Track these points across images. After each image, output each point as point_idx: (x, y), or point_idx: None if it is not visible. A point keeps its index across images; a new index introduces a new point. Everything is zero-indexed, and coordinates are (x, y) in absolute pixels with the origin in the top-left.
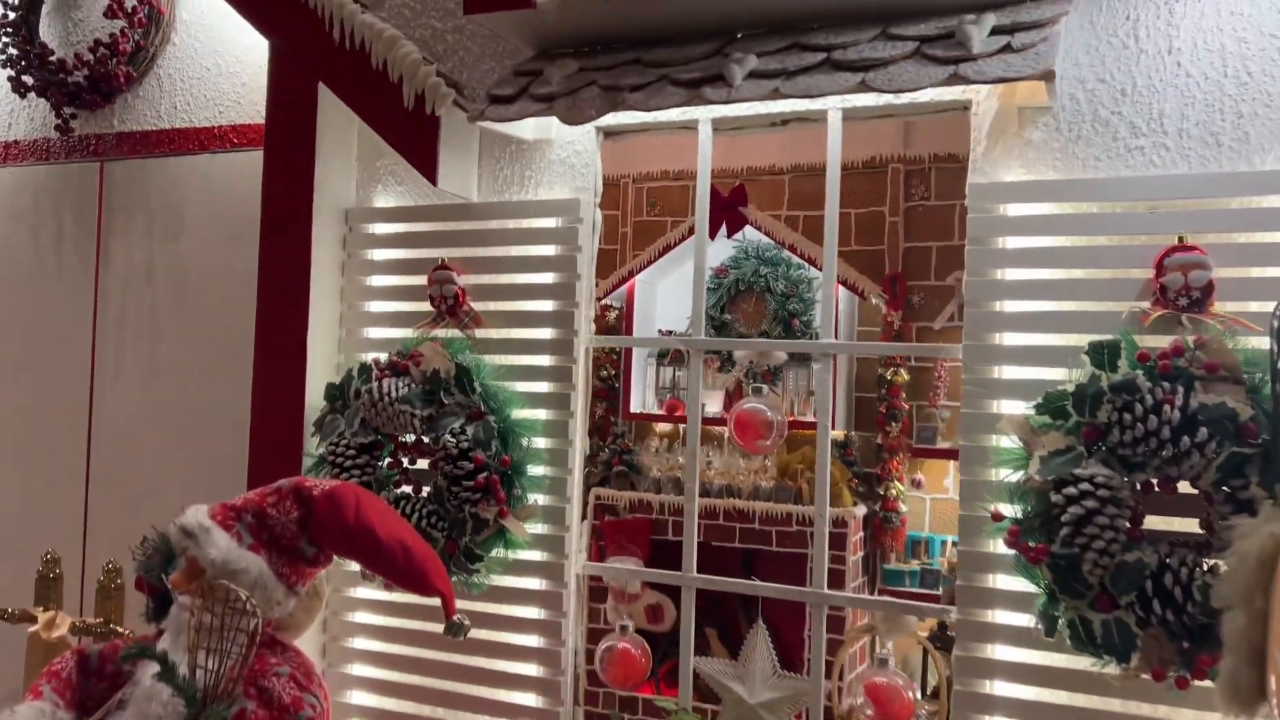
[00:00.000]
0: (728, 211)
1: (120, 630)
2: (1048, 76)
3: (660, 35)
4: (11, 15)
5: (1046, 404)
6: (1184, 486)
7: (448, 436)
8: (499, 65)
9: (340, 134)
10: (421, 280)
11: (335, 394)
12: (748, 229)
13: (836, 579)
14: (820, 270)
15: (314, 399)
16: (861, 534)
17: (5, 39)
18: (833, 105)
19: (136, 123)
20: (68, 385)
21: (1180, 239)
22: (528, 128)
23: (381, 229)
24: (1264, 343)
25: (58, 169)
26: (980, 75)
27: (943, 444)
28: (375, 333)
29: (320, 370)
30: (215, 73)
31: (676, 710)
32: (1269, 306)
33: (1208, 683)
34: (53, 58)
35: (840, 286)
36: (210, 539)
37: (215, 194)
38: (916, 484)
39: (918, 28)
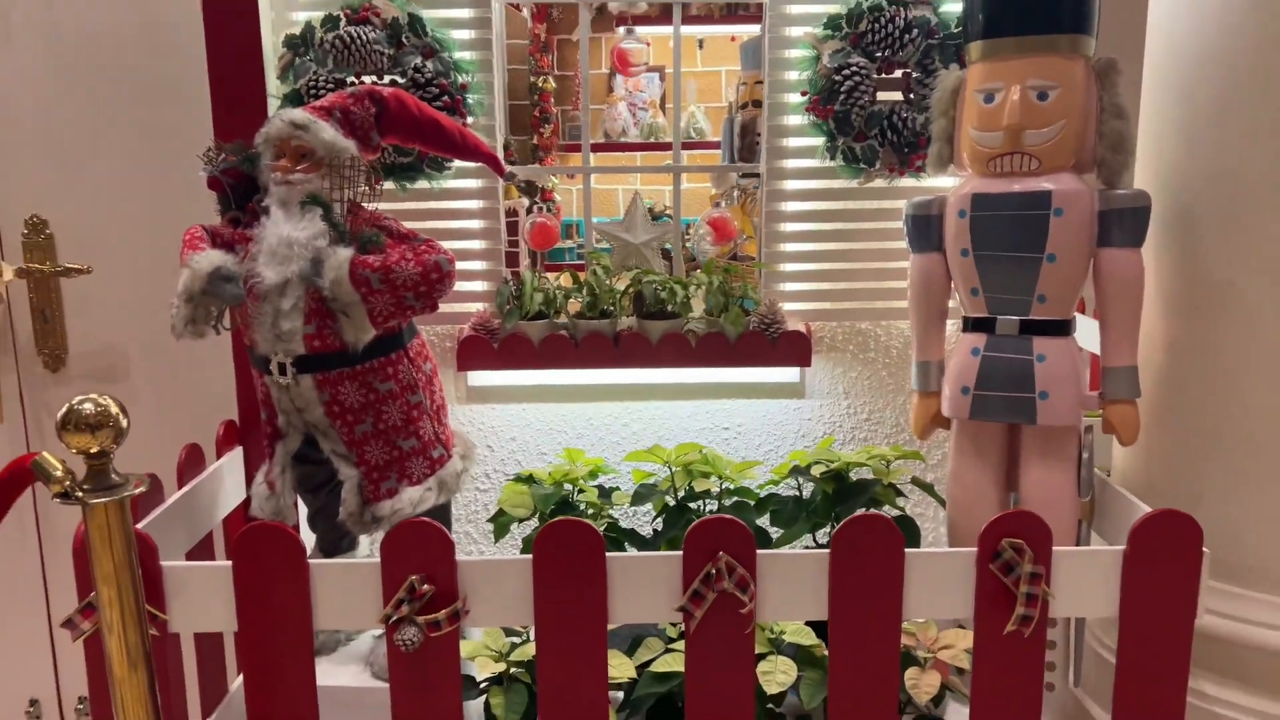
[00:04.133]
0: None
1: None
2: None
3: None
4: None
5: (829, 23)
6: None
7: (413, 70)
8: None
9: None
10: None
11: (296, 42)
12: None
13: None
14: None
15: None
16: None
17: None
18: None
19: None
20: None
21: None
22: None
23: None
24: None
25: None
26: None
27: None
28: None
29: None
30: None
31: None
32: None
33: (910, 179)
34: None
35: None
36: (320, 126)
37: None
38: (570, 176)
39: None
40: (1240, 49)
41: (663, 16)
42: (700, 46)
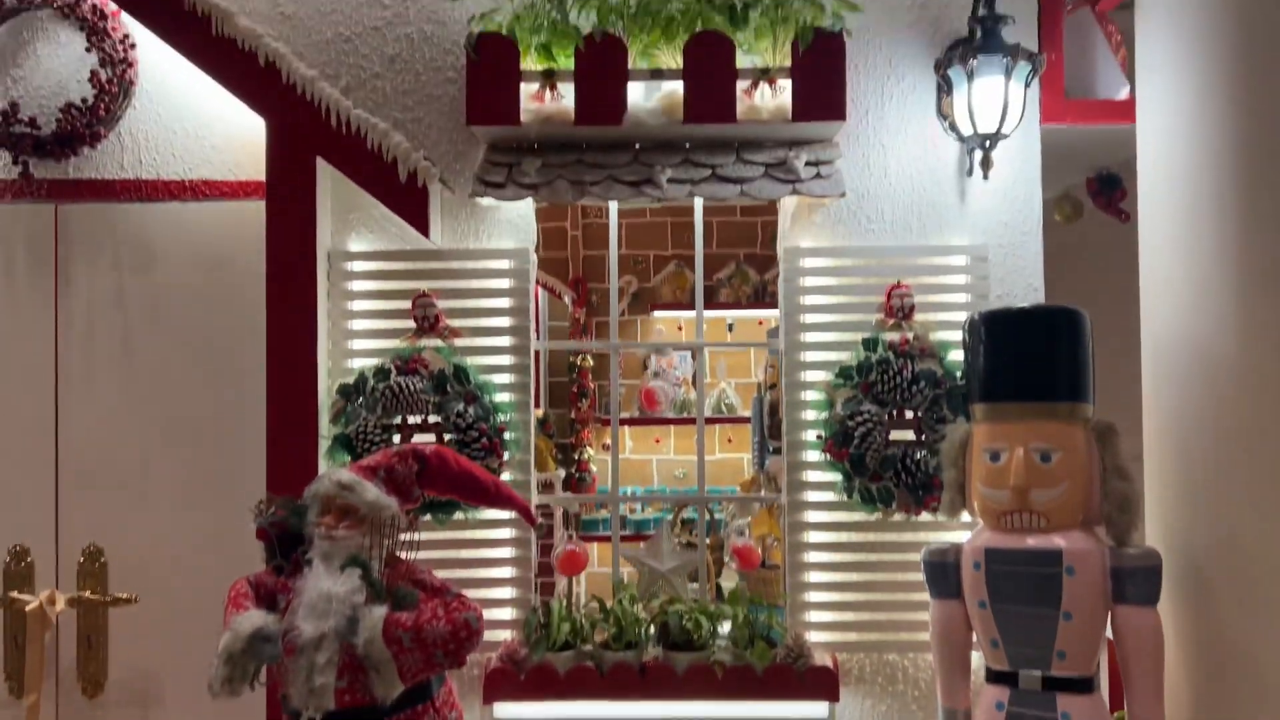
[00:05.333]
0: None
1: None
2: (843, 194)
3: (588, 143)
4: None
5: (841, 372)
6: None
7: (455, 416)
8: (451, 148)
9: (324, 193)
10: (398, 305)
11: (349, 390)
12: None
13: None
14: None
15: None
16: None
17: None
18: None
19: (96, 172)
20: (29, 398)
21: (898, 281)
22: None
23: (359, 266)
24: (944, 335)
25: (4, 209)
26: (811, 191)
27: (623, 414)
28: (357, 344)
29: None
30: (182, 135)
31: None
32: (943, 316)
33: (928, 515)
34: None
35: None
36: (365, 487)
37: (189, 235)
38: (606, 448)
39: (759, 155)
40: (1233, 403)
41: (694, 302)
42: (730, 329)
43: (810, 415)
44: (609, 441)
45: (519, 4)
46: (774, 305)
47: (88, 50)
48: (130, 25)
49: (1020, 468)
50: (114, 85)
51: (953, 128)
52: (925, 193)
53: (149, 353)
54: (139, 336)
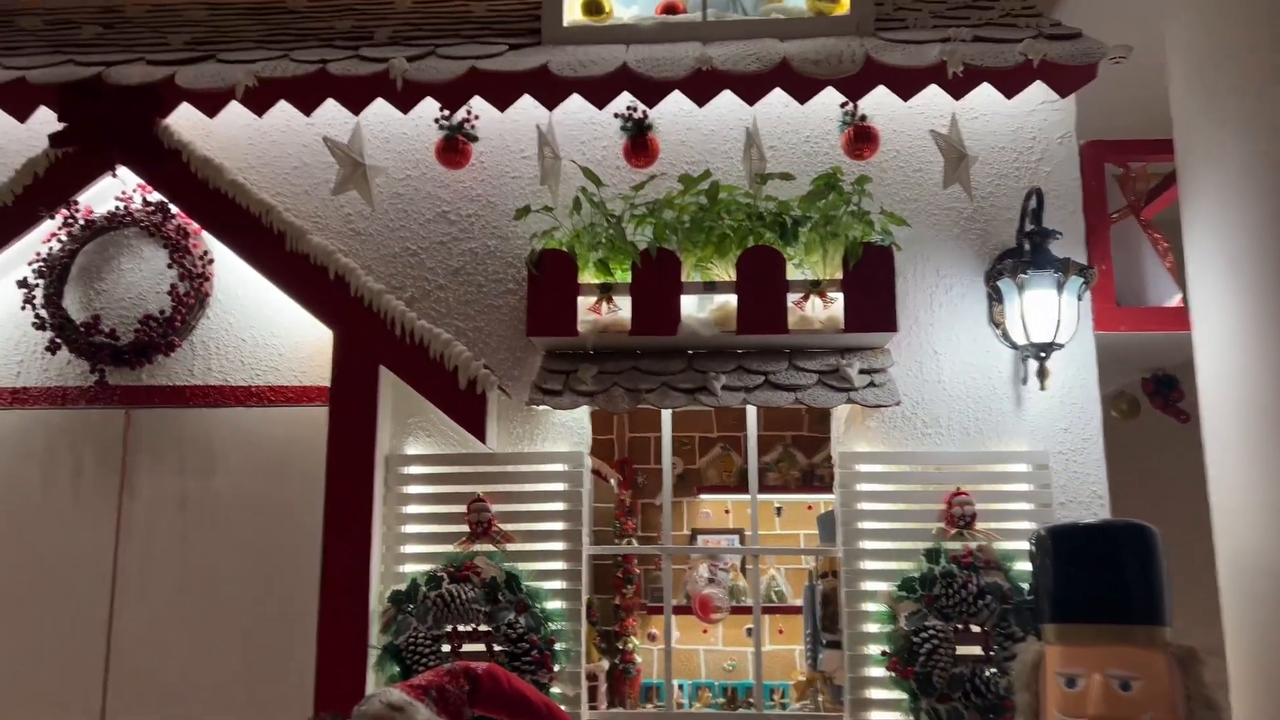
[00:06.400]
0: None
1: None
2: (898, 403)
3: (641, 350)
4: (41, 284)
5: (903, 584)
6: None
7: (506, 626)
8: (509, 355)
9: (385, 400)
10: (452, 508)
11: (401, 598)
12: None
13: None
14: None
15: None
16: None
17: (37, 306)
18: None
19: (167, 378)
20: (86, 598)
21: (958, 489)
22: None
23: (415, 469)
24: (1009, 545)
25: (77, 414)
26: (866, 400)
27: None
28: (409, 548)
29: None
30: (251, 343)
31: None
32: (1007, 525)
33: None
34: (80, 320)
35: None
36: (416, 709)
37: (251, 440)
38: (651, 638)
39: (811, 363)
40: None
41: (741, 485)
42: (778, 513)
43: (873, 628)
44: (654, 630)
45: (578, 221)
46: (822, 489)
47: (169, 266)
48: (209, 241)
49: (1100, 697)
50: (191, 298)
51: (1005, 336)
52: (981, 399)
53: (205, 556)
54: (196, 540)
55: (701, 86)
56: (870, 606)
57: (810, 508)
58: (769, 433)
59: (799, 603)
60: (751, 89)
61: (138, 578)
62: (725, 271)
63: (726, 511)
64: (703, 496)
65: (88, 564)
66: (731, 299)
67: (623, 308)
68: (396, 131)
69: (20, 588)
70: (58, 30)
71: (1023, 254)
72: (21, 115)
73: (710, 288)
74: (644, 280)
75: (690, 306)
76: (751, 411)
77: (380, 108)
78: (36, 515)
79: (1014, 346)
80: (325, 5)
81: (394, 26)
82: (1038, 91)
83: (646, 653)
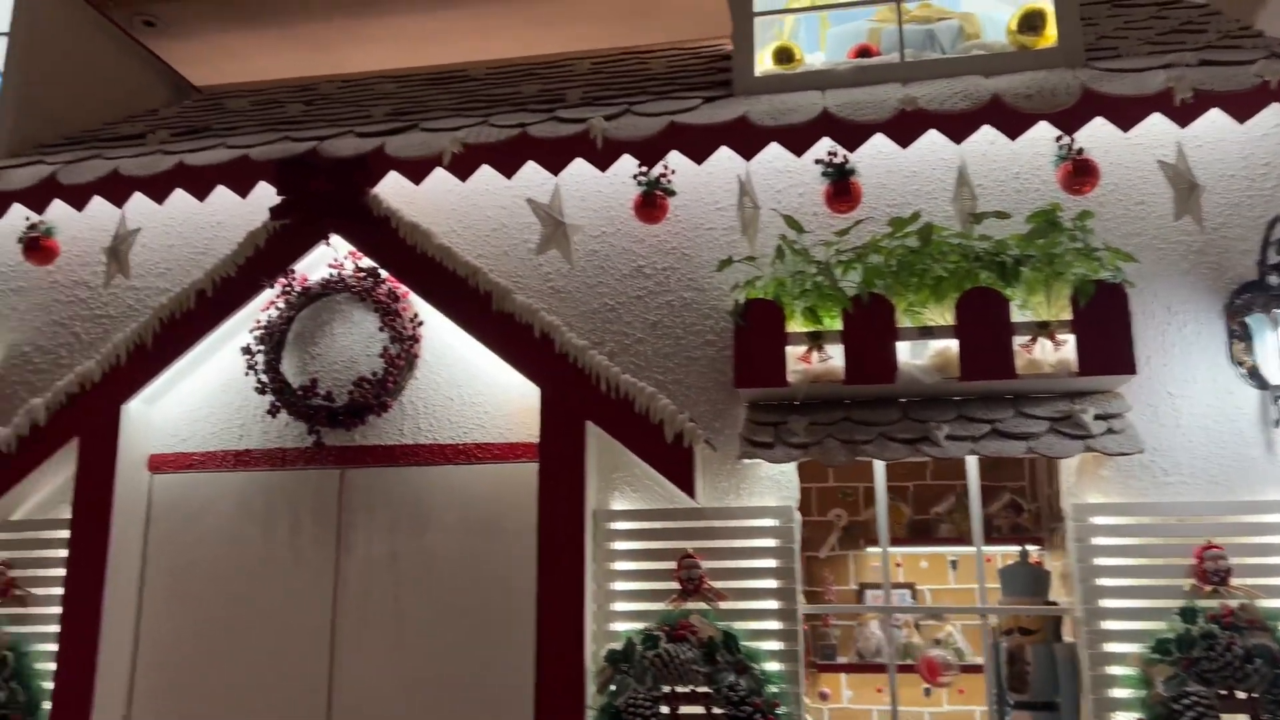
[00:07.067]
0: None
1: None
2: (1141, 450)
3: (852, 399)
4: (262, 350)
5: (1157, 646)
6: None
7: (728, 688)
8: (710, 407)
9: (591, 455)
10: (661, 565)
11: (618, 657)
12: None
13: None
14: None
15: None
16: None
17: (259, 371)
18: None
19: (379, 438)
20: (309, 656)
21: (1208, 542)
22: None
23: (623, 525)
24: (1273, 603)
25: (295, 474)
26: (1106, 449)
27: (840, 659)
28: (620, 606)
29: None
30: (458, 401)
31: None
32: (1267, 580)
33: None
34: (297, 385)
35: None
36: None
37: (460, 498)
38: (823, 696)
39: (1039, 409)
40: None
41: (911, 537)
42: (954, 566)
43: (1119, 693)
44: (825, 689)
45: (780, 270)
46: (1000, 540)
47: (380, 329)
48: (418, 303)
49: None
50: (402, 359)
51: (1253, 375)
52: (1226, 444)
53: (417, 612)
54: (408, 597)
55: (906, 127)
56: (1116, 670)
57: (989, 560)
58: (938, 481)
59: (979, 661)
60: (959, 127)
61: (355, 634)
62: (940, 315)
63: (898, 565)
64: (870, 550)
65: (308, 620)
66: (950, 344)
67: (833, 356)
68: (592, 190)
69: (244, 642)
70: (264, 109)
71: (1267, 287)
72: (244, 191)
73: (927, 332)
74: (856, 327)
75: (904, 353)
76: (972, 461)
77: (575, 167)
78: (259, 573)
79: (1263, 386)
80: (506, 71)
81: (582, 88)
82: (1268, 115)
83: (816, 711)
